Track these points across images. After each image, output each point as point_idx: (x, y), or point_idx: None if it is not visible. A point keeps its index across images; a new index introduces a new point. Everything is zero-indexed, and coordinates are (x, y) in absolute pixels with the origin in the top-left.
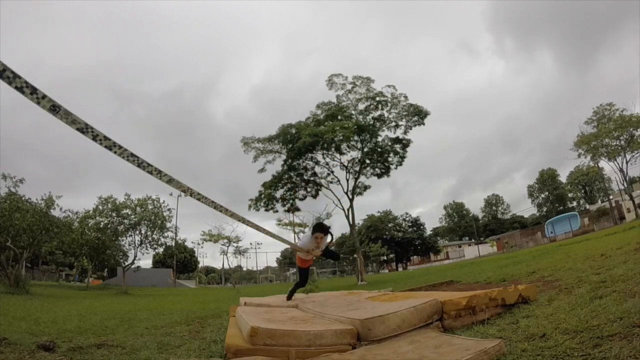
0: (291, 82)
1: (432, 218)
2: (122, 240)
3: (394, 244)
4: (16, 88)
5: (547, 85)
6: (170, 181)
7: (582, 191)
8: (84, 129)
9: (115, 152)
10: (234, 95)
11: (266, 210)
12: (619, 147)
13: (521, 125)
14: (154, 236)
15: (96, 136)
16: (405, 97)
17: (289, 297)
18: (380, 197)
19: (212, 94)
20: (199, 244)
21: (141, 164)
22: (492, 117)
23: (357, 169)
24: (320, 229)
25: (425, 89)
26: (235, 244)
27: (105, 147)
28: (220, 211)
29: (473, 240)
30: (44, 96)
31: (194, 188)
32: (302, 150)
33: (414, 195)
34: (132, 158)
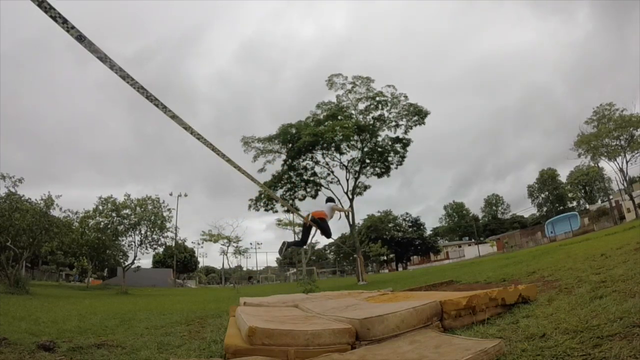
0: (292, 39)
1: (436, 212)
2: (122, 240)
3: (394, 244)
4: (51, 17)
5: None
6: (174, 117)
7: (582, 191)
8: (103, 58)
9: (128, 83)
10: (219, 55)
11: (266, 210)
12: (619, 147)
13: (543, 105)
14: (154, 236)
15: (113, 66)
16: (405, 96)
17: (286, 248)
18: (384, 193)
19: (193, 55)
20: (199, 244)
21: (149, 97)
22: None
23: (357, 168)
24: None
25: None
26: (235, 244)
27: (120, 76)
28: (218, 154)
29: (473, 240)
30: (73, 27)
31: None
32: (302, 150)
33: (417, 191)
34: (141, 90)
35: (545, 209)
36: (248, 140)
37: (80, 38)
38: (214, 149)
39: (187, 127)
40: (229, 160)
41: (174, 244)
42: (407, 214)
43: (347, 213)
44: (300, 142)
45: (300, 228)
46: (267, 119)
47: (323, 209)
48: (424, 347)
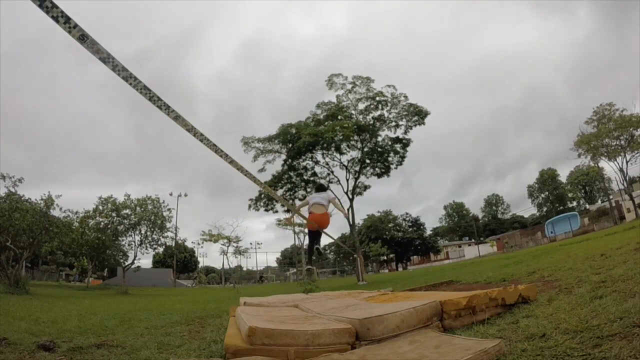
0: (292, 38)
1: (436, 212)
2: (122, 240)
3: (394, 244)
4: (52, 17)
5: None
6: (177, 118)
7: (582, 191)
8: (106, 58)
9: (130, 84)
10: (219, 55)
11: (266, 210)
12: (619, 147)
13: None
14: (154, 236)
15: (116, 66)
16: (405, 96)
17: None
18: (384, 193)
19: (193, 54)
20: (199, 244)
21: (152, 98)
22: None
23: (357, 168)
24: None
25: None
26: (235, 244)
27: (122, 77)
28: (221, 156)
29: (473, 240)
30: (75, 25)
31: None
32: (302, 150)
33: (417, 191)
34: (144, 91)
35: (545, 209)
36: (248, 140)
37: (83, 38)
38: (216, 150)
39: (190, 129)
40: (232, 162)
41: (174, 244)
42: (407, 214)
43: (346, 215)
44: (300, 142)
45: (301, 228)
46: (267, 118)
47: (322, 201)
48: (424, 347)
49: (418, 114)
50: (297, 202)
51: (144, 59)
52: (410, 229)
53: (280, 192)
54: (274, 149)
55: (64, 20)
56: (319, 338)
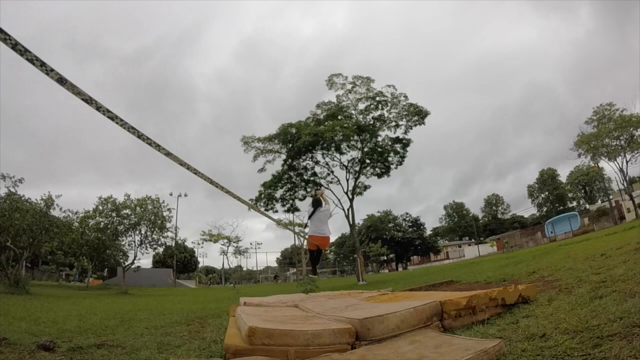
0: (292, 37)
1: (436, 212)
2: (122, 240)
3: (394, 244)
4: (27, 59)
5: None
6: (169, 154)
7: (582, 191)
8: (89, 100)
9: (117, 123)
10: (218, 54)
11: (266, 210)
12: (619, 147)
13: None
14: (154, 236)
15: (99, 107)
16: (405, 96)
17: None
18: (384, 193)
19: (192, 53)
20: (199, 244)
21: (141, 136)
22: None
23: (357, 168)
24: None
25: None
26: (235, 244)
27: (108, 117)
28: (217, 186)
29: (473, 240)
30: (52, 69)
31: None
32: (302, 149)
33: (417, 191)
34: (132, 130)
35: (545, 209)
36: (248, 140)
37: (62, 80)
38: (212, 182)
39: (183, 164)
40: (228, 192)
41: (174, 244)
42: (407, 214)
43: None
44: (300, 141)
45: (300, 228)
46: (267, 118)
47: (322, 222)
48: (424, 347)
49: (418, 114)
50: (297, 202)
51: (143, 58)
52: (410, 229)
53: (280, 192)
54: (274, 149)
55: (39, 63)
56: (319, 338)
